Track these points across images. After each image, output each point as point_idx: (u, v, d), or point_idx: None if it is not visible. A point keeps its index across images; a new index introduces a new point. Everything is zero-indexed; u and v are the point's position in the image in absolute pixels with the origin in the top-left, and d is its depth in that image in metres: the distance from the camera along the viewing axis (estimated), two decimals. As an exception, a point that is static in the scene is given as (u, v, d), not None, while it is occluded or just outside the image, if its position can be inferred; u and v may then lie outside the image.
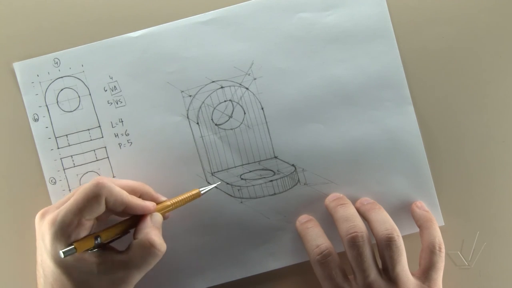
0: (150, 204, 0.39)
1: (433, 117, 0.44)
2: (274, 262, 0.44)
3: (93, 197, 0.35)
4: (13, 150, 0.44)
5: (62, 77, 0.44)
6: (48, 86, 0.44)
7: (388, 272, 0.39)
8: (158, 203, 0.40)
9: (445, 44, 0.44)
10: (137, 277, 0.37)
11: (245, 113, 0.44)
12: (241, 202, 0.44)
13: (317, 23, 0.44)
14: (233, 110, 0.44)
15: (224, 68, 0.44)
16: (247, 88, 0.44)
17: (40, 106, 0.44)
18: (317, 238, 0.41)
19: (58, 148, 0.44)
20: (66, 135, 0.44)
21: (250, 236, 0.44)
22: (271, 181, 0.44)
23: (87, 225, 0.36)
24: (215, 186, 0.42)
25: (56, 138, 0.44)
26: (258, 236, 0.44)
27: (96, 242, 0.36)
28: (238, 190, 0.44)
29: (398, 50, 0.43)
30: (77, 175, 0.44)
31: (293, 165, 0.44)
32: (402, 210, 0.44)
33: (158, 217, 0.39)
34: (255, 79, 0.44)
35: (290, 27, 0.44)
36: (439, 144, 0.44)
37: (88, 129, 0.44)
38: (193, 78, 0.44)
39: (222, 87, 0.44)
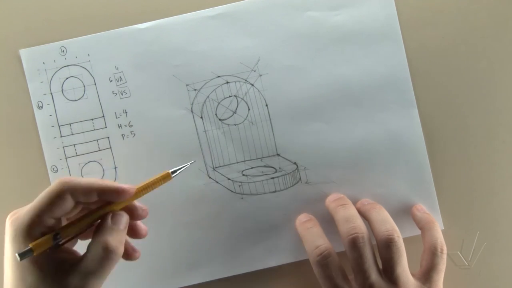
0: (126, 186, 0.35)
1: (433, 117, 0.44)
2: (273, 259, 0.44)
3: (56, 194, 0.33)
4: (17, 137, 0.44)
5: (68, 66, 0.44)
6: (54, 74, 0.44)
7: (388, 273, 0.39)
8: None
9: (445, 45, 0.44)
10: (94, 284, 0.34)
11: (249, 109, 0.44)
12: (242, 198, 0.44)
13: (325, 22, 0.44)
14: (237, 106, 0.44)
15: (230, 64, 0.44)
16: (252, 85, 0.44)
17: (45, 94, 0.44)
18: (317, 238, 0.41)
19: (61, 136, 0.44)
20: (70, 123, 0.44)
21: (250, 232, 0.44)
22: (273, 178, 0.44)
23: (51, 224, 0.34)
24: (185, 166, 0.38)
25: (59, 126, 0.44)
26: (258, 232, 0.44)
27: (55, 240, 0.33)
28: (239, 186, 0.44)
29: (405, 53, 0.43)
30: (79, 164, 0.44)
31: (295, 163, 0.44)
32: (403, 213, 0.43)
33: (121, 217, 0.35)
34: (260, 75, 0.44)
35: (298, 25, 0.44)
36: (439, 143, 0.44)
37: (92, 119, 0.44)
38: (199, 72, 0.44)
39: (227, 82, 0.44)
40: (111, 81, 0.44)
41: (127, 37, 0.43)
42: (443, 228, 0.44)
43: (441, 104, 0.44)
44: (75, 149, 0.44)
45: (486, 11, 0.44)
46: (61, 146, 0.44)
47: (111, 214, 0.35)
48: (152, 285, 0.44)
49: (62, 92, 0.44)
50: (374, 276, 0.38)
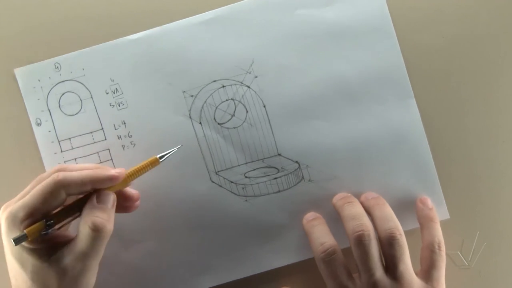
0: (116, 172, 0.37)
1: (433, 118, 0.44)
2: (278, 259, 0.44)
3: (50, 193, 0.35)
4: (17, 155, 0.44)
5: (63, 81, 0.44)
6: (50, 91, 0.44)
7: (391, 269, 0.39)
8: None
9: (446, 44, 0.44)
10: (90, 264, 0.36)
11: (247, 112, 0.44)
12: (246, 200, 0.44)
13: (317, 19, 0.43)
14: (235, 109, 0.44)
15: (225, 67, 0.44)
16: (248, 87, 0.44)
17: (42, 111, 0.44)
18: (322, 236, 0.41)
19: (61, 151, 0.44)
20: (69, 138, 0.44)
21: (255, 234, 0.44)
22: (275, 178, 0.44)
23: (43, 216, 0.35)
24: (173, 151, 0.40)
25: (59, 141, 0.44)
26: (263, 233, 0.44)
27: (47, 225, 0.35)
28: (243, 188, 0.44)
29: (399, 47, 0.43)
30: (81, 178, 0.44)
31: (297, 162, 0.44)
32: (406, 204, 0.43)
33: (108, 196, 0.37)
34: (256, 77, 0.44)
35: (290, 24, 0.43)
36: (439, 144, 0.44)
37: (91, 132, 0.44)
38: (194, 78, 0.44)
39: (223, 86, 0.44)
40: (108, 93, 0.44)
41: (120, 49, 0.43)
42: (449, 217, 0.44)
43: (441, 105, 0.44)
44: (77, 163, 0.44)
45: (484, 8, 0.44)
46: (62, 161, 0.44)
47: (96, 194, 0.36)
48: (162, 293, 0.44)
49: (60, 108, 0.44)
50: (378, 274, 0.38)
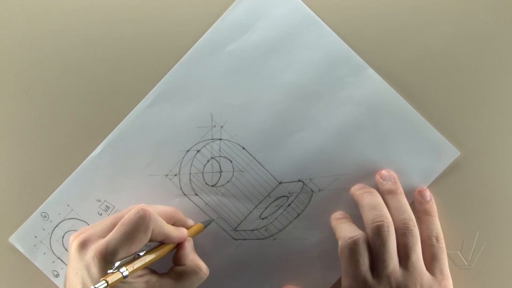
0: (185, 233, 0.40)
1: (434, 118, 0.43)
2: (336, 271, 0.43)
3: (142, 229, 0.36)
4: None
5: (57, 225, 0.44)
6: (50, 240, 0.44)
7: (403, 260, 0.39)
8: (188, 228, 0.41)
9: (446, 44, 0.43)
10: None
11: (231, 161, 0.44)
12: (274, 239, 0.44)
13: (246, 47, 0.43)
14: (219, 165, 0.44)
15: (190, 133, 0.44)
16: (220, 139, 0.44)
17: (53, 262, 0.44)
18: (351, 227, 0.41)
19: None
20: (90, 272, 0.44)
21: (304, 260, 0.44)
22: (289, 205, 0.44)
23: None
24: (212, 220, 0.44)
25: (83, 280, 0.44)
26: (308, 258, 0.44)
27: (123, 273, 0.35)
28: (265, 230, 0.44)
29: (331, 29, 0.43)
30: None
31: (299, 180, 0.44)
32: (411, 163, 0.43)
33: (192, 242, 0.41)
34: (222, 127, 0.44)
35: (225, 64, 0.44)
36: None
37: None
38: (169, 158, 0.44)
39: (198, 151, 0.44)
40: (101, 214, 0.44)
41: (90, 169, 0.44)
42: (459, 154, 0.43)
43: (441, 105, 0.43)
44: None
45: (486, 10, 0.43)
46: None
47: (187, 241, 0.40)
48: None
49: (67, 251, 0.44)
50: (392, 265, 0.38)
